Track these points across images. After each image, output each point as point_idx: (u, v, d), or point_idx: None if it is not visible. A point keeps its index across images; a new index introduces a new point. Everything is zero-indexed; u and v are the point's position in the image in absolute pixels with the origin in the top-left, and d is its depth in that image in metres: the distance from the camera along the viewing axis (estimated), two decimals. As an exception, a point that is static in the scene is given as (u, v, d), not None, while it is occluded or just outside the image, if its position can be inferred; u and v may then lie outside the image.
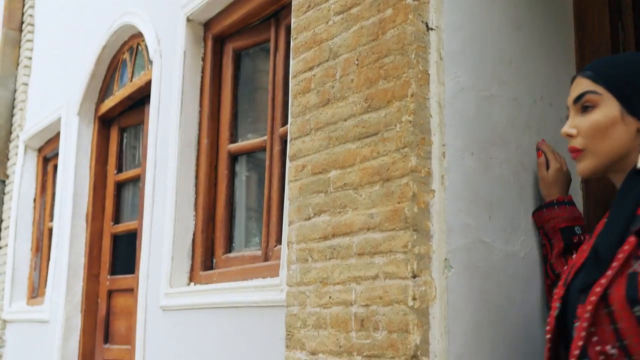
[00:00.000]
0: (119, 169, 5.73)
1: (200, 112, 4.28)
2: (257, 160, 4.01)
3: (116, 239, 5.67)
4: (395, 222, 2.41)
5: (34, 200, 7.17)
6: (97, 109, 5.87)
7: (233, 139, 4.14)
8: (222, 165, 4.13)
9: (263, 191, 3.81)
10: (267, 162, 3.74)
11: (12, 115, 7.68)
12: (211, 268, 4.05)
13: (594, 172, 1.75)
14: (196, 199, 4.19)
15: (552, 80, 2.82)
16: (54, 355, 5.60)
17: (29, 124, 7.18)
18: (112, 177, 5.72)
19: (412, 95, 2.44)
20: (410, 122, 2.42)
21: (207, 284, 3.91)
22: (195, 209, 4.18)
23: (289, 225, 2.90)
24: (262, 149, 3.86)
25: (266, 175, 3.73)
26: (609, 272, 1.59)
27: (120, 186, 5.70)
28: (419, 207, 2.38)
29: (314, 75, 2.90)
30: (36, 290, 6.96)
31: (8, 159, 7.61)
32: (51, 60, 6.83)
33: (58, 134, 6.63)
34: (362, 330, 2.48)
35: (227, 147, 4.11)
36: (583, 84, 1.78)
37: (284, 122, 3.70)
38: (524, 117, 2.69)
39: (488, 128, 2.59)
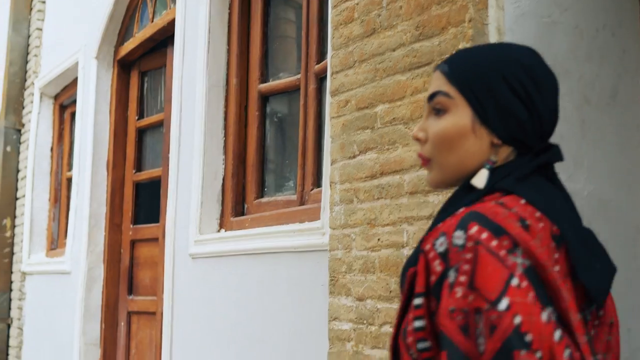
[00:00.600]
0: (140, 115, 5.61)
1: (229, 50, 4.14)
2: (290, 100, 3.87)
3: (138, 187, 5.58)
4: (452, 158, 2.28)
5: (51, 149, 7.08)
6: (116, 53, 5.73)
7: (263, 78, 4.00)
8: (252, 106, 4.00)
9: (297, 132, 3.68)
10: (302, 102, 3.61)
11: (26, 62, 7.55)
12: (242, 214, 3.94)
13: (441, 186, 1.47)
14: (225, 142, 4.07)
15: (614, 9, 2.66)
16: (77, 307, 5.55)
17: (44, 71, 7.05)
18: (133, 123, 5.61)
19: (469, 21, 2.29)
20: (467, 49, 2.28)
21: (238, 230, 3.81)
22: (225, 153, 4.06)
23: (331, 164, 2.79)
24: (296, 88, 3.73)
25: (300, 115, 3.61)
26: (402, 298, 1.41)
27: (141, 132, 5.58)
28: (478, 141, 2.25)
29: (357, 4, 2.76)
30: (55, 242, 6.90)
31: (23, 107, 7.50)
32: (66, 3, 6.68)
33: (75, 80, 6.51)
34: (415, 273, 2.36)
35: (258, 87, 3.98)
36: (438, 81, 1.46)
37: (320, 58, 3.56)
38: (586, 47, 2.54)
39: (549, 57, 2.44)
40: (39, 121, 7.09)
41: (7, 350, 7.10)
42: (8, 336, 7.12)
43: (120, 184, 5.63)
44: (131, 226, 5.49)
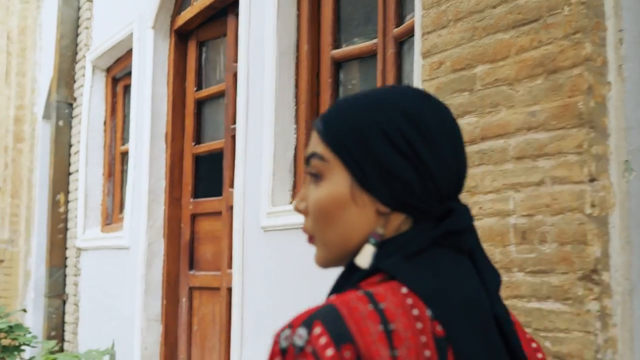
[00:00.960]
0: (199, 86, 5.54)
1: (299, 15, 4.04)
2: (365, 66, 3.76)
3: (198, 160, 5.52)
4: (566, 120, 2.17)
5: (104, 123, 7.05)
6: (172, 22, 5.66)
7: (336, 44, 3.89)
8: (324, 73, 3.90)
9: (373, 100, 3.57)
10: (380, 67, 3.50)
11: (77, 35, 7.52)
12: (316, 185, 3.85)
13: (330, 266, 1.22)
14: (297, 110, 3.98)
15: None
16: (137, 282, 5.52)
17: (96, 43, 7.01)
18: (192, 94, 5.54)
19: (583, -28, 2.17)
20: (582, 3, 2.16)
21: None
22: (296, 122, 3.97)
23: (423, 130, 2.68)
24: (372, 53, 3.62)
25: (378, 81, 3.50)
26: None
27: (200, 104, 5.51)
28: (595, 102, 2.13)
29: (451, -40, 2.64)
30: (110, 217, 6.89)
31: (74, 81, 7.48)
32: (118, -27, 6.62)
33: (128, 52, 6.47)
34: (524, 243, 2.26)
35: (330, 53, 3.87)
36: (313, 141, 1.21)
37: (399, 22, 3.44)
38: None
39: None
40: (91, 95, 7.06)
41: (63, 326, 7.14)
42: (64, 312, 7.15)
43: (179, 157, 5.58)
44: (191, 200, 5.44)
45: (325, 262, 1.21)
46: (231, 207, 4.67)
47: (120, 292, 5.94)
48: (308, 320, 1.05)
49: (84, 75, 7.23)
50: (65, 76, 7.46)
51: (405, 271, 1.10)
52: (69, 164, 7.42)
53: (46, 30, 9.17)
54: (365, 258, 1.14)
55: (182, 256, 5.46)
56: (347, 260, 1.18)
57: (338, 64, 3.88)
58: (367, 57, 3.70)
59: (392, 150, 1.13)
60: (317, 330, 1.03)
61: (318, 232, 1.19)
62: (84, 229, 6.84)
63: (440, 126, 1.15)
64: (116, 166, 6.88)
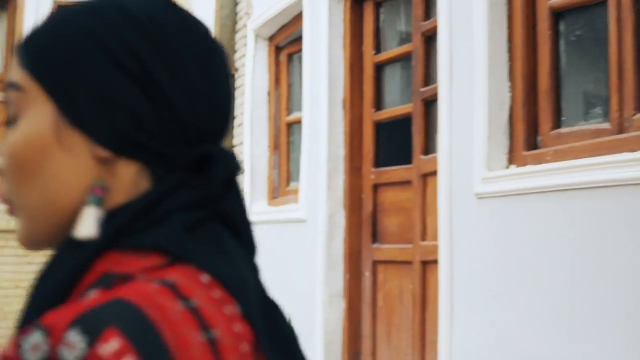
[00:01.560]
0: (377, 50, 5.37)
1: (509, -40, 3.80)
2: (591, 15, 3.49)
3: (378, 127, 5.35)
4: None
5: (268, 93, 6.99)
6: (347, -16, 5.51)
7: (554, -8, 3.64)
8: (541, 25, 3.64)
9: (602, 51, 3.31)
10: (613, 14, 3.22)
11: (236, 4, 7.49)
12: (535, 147, 3.61)
13: (37, 244, 0.88)
14: (511, 67, 3.73)
15: None
16: (318, 256, 5.42)
17: (258, 11, 6.94)
18: (370, 58, 5.37)
19: None
20: None
21: (534, 164, 3.48)
22: (511, 79, 3.73)
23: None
24: (599, 0, 3.34)
25: (610, 31, 3.22)
26: None
27: (379, 68, 5.35)
28: None
29: None
30: (277, 190, 6.84)
31: (235, 51, 7.46)
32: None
33: (293, 19, 6.38)
34: None
35: (548, 2, 3.61)
36: (13, 67, 0.88)
37: (636, -39, 3.16)
38: None
39: None
40: (254, 65, 7.01)
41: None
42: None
43: (358, 124, 5.42)
44: (372, 169, 5.29)
45: (29, 240, 0.88)
46: (424, 176, 4.50)
47: (296, 266, 5.86)
48: (88, 323, 0.70)
49: (245, 45, 7.20)
50: (226, 46, 7.44)
51: (198, 252, 0.81)
52: (232, 137, 7.41)
53: (199, 2, 9.20)
54: (87, 225, 0.81)
55: (364, 228, 5.32)
56: (59, 237, 0.85)
57: (558, 14, 3.61)
58: (592, 5, 3.42)
59: (112, 67, 0.83)
60: (115, 343, 0.69)
61: (15, 195, 0.86)
62: (251, 202, 6.81)
63: (184, 36, 0.87)
64: (281, 138, 6.81)
